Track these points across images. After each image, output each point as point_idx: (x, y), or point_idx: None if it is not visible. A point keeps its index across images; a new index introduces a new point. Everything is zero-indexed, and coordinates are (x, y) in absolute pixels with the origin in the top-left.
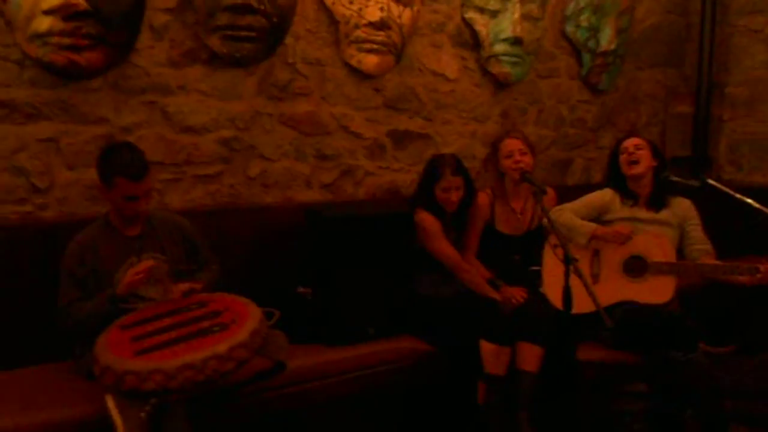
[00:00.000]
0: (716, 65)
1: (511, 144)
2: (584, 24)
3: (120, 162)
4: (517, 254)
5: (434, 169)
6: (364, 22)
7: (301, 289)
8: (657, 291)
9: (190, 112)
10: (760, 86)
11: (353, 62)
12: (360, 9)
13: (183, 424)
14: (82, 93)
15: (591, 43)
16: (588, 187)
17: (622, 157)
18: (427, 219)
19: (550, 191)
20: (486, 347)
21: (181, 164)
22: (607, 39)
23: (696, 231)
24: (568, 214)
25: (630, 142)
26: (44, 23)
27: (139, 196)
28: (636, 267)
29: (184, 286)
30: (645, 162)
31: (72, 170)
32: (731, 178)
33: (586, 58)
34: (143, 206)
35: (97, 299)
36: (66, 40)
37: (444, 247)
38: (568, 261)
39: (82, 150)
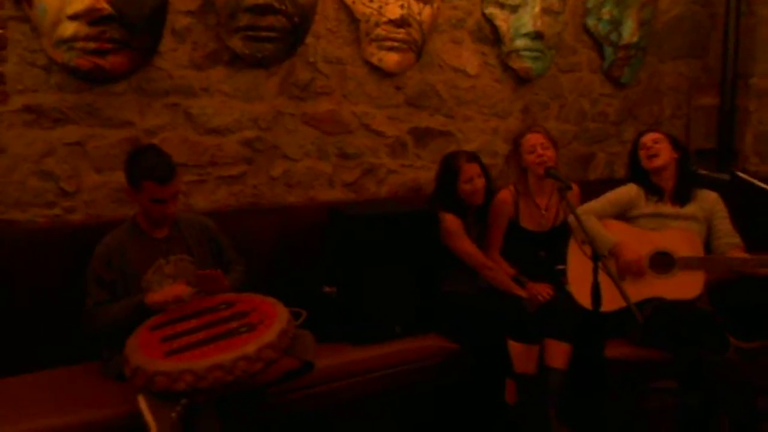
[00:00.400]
0: (741, 56)
1: (533, 138)
2: (606, 17)
3: (147, 165)
4: (542, 251)
5: (450, 164)
6: (384, 20)
7: (326, 289)
8: (685, 287)
9: (214, 113)
10: None
11: (374, 60)
12: (380, 7)
13: (213, 424)
14: (107, 96)
15: (613, 36)
16: (611, 182)
17: (641, 153)
18: (448, 218)
19: (574, 187)
20: (514, 347)
21: (205, 166)
22: (629, 31)
23: (724, 224)
24: (593, 219)
25: (648, 138)
26: (69, 28)
27: (167, 199)
28: (663, 263)
29: (205, 272)
30: (665, 154)
31: (99, 173)
32: (757, 169)
33: (608, 51)
34: (171, 209)
35: (125, 304)
36: (91, 45)
37: (467, 246)
38: (596, 258)
39: (109, 153)
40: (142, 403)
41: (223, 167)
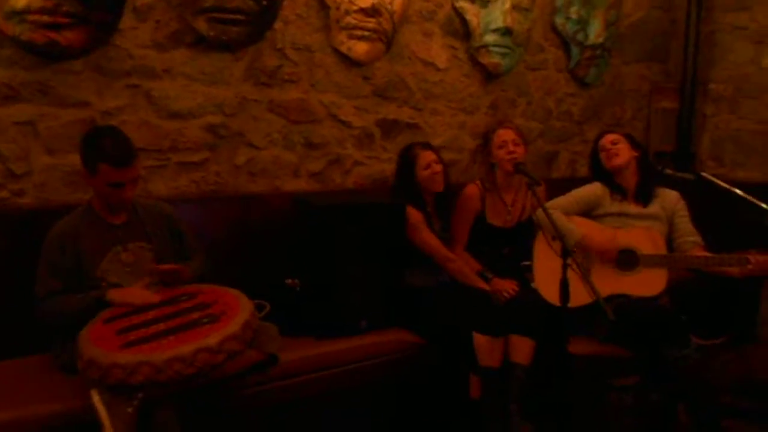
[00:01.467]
0: (700, 61)
1: (505, 134)
2: (574, 16)
3: (104, 147)
4: (507, 247)
5: (406, 155)
6: (355, 8)
7: (289, 281)
8: (648, 284)
9: (176, 97)
10: (743, 83)
11: (343, 49)
12: None
13: (172, 419)
14: (63, 74)
15: (580, 36)
16: (573, 181)
17: (602, 155)
18: (409, 211)
19: (542, 185)
20: (479, 340)
21: (165, 151)
22: (595, 32)
23: (684, 223)
24: (558, 213)
25: (606, 140)
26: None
27: (124, 183)
28: (627, 260)
29: (166, 267)
30: (624, 154)
31: (51, 155)
32: (713, 173)
33: (575, 51)
34: (129, 194)
35: (84, 298)
36: (45, 18)
37: (428, 238)
38: (566, 254)
39: (62, 134)
40: (96, 398)
41: (185, 153)
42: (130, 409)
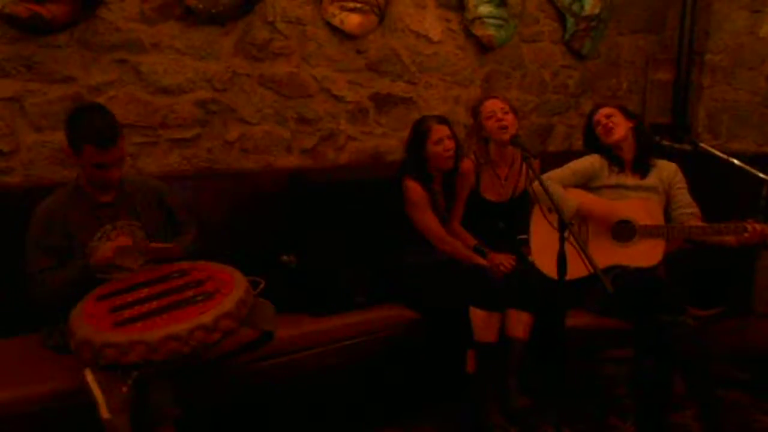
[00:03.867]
0: (697, 32)
1: (492, 104)
2: None
3: (88, 127)
4: (502, 221)
5: (419, 127)
6: None
7: (284, 257)
8: (646, 254)
9: (165, 71)
10: (739, 53)
11: (335, 21)
12: None
13: (167, 397)
14: (47, 49)
15: (575, 7)
16: (569, 154)
17: (598, 130)
18: (412, 187)
19: (537, 159)
20: (476, 314)
21: (156, 127)
22: (591, 3)
23: (682, 194)
24: (555, 185)
25: (601, 114)
26: None
27: (109, 164)
28: (624, 232)
29: (157, 246)
30: (621, 126)
31: (38, 132)
32: (709, 145)
33: (570, 22)
34: (114, 174)
35: (71, 267)
36: None
37: (428, 220)
38: (563, 226)
39: (49, 111)
40: (89, 377)
41: (176, 129)
42: (124, 388)
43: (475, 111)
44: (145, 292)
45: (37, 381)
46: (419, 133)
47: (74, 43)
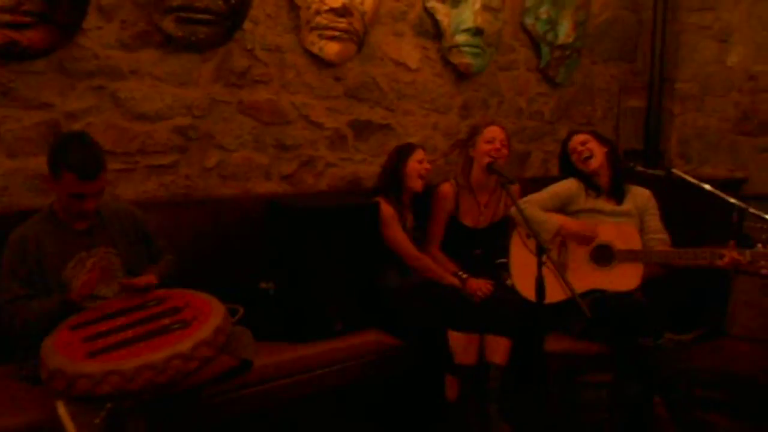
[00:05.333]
0: (667, 61)
1: (497, 132)
2: (543, 16)
3: (72, 155)
4: (479, 248)
5: (403, 148)
6: (325, 8)
7: (263, 284)
8: (625, 279)
9: (143, 98)
10: (709, 81)
11: (314, 49)
12: None
13: (142, 428)
14: (24, 75)
15: (550, 36)
16: (546, 180)
17: (574, 157)
18: (383, 207)
19: (516, 184)
20: (454, 337)
21: (133, 153)
22: (565, 32)
23: (653, 221)
24: (534, 207)
25: (576, 141)
26: None
27: (88, 194)
28: (603, 256)
29: (140, 282)
30: (597, 153)
31: (13, 159)
32: (681, 170)
33: (545, 50)
34: (90, 206)
35: (48, 301)
36: (5, 17)
37: (397, 235)
38: (541, 251)
39: (24, 137)
40: (61, 409)
41: (154, 156)
42: (97, 420)
43: (476, 129)
44: (120, 320)
45: (9, 413)
46: (402, 151)
47: (52, 70)
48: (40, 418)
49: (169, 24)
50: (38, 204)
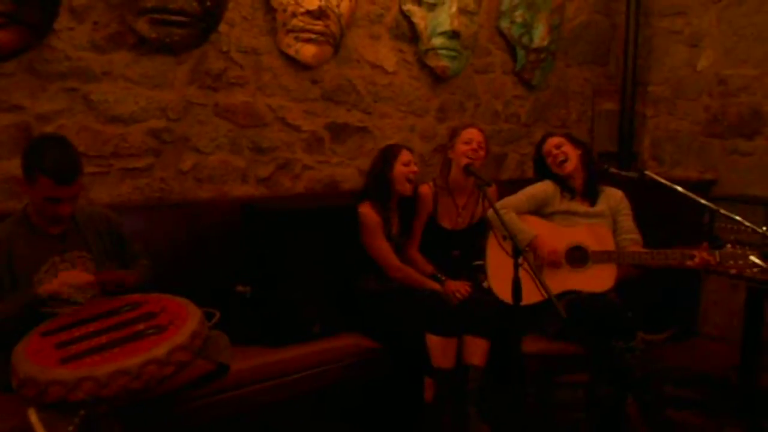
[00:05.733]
0: (640, 64)
1: (475, 134)
2: (519, 20)
3: (47, 159)
4: (457, 249)
5: (388, 150)
6: (301, 10)
7: (239, 288)
8: (599, 280)
9: (116, 100)
10: (680, 85)
11: (291, 52)
12: None
13: None
14: None
15: (525, 39)
16: (522, 182)
17: (549, 160)
18: (368, 213)
19: (492, 186)
20: (432, 340)
21: (107, 156)
22: (540, 35)
23: (626, 221)
24: (511, 213)
25: (550, 144)
26: None
27: (63, 198)
28: (577, 257)
29: (108, 275)
30: (572, 156)
31: None
32: (654, 172)
33: (520, 54)
34: (66, 210)
35: (12, 299)
36: None
37: (381, 247)
38: (517, 253)
39: None
40: (33, 417)
41: (128, 159)
42: (71, 428)
43: (455, 131)
44: (93, 326)
45: None
46: (389, 154)
47: (22, 71)
48: (11, 427)
49: (143, 25)
50: (9, 208)
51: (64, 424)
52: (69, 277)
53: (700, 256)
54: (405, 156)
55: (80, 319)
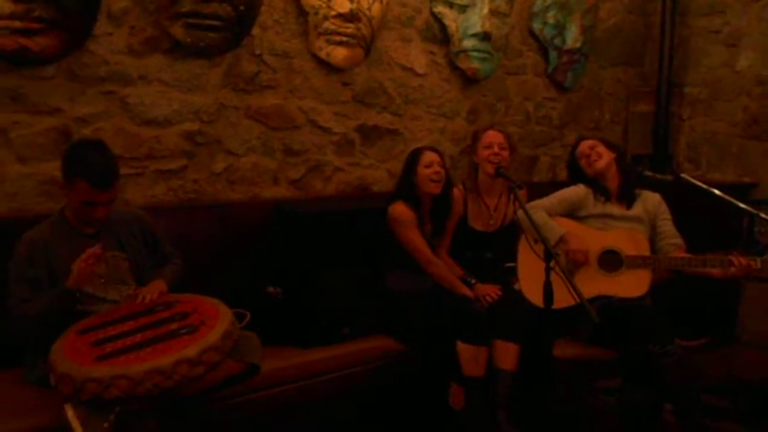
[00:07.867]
0: (675, 65)
1: (494, 136)
2: (551, 21)
3: (87, 163)
4: (488, 251)
5: (413, 153)
6: (333, 13)
7: (270, 289)
8: (633, 285)
9: (152, 103)
10: (717, 86)
11: (322, 55)
12: (329, 0)
13: None
14: (35, 81)
15: (557, 41)
16: (554, 184)
17: (582, 162)
18: (401, 209)
19: (524, 188)
20: (463, 349)
21: (142, 158)
22: (572, 37)
23: (667, 225)
24: (540, 212)
25: (584, 146)
26: None
27: (100, 203)
28: (611, 261)
29: (152, 291)
30: (605, 156)
31: (23, 164)
32: (690, 175)
33: (553, 55)
34: (102, 214)
35: (48, 294)
36: (16, 24)
37: (414, 238)
38: (549, 256)
39: (34, 142)
40: (69, 413)
41: (162, 161)
42: (106, 424)
43: (475, 136)
44: (129, 325)
45: (18, 416)
46: (412, 157)
47: (61, 75)
48: (48, 422)
49: (177, 30)
50: (48, 209)
51: (100, 420)
52: (80, 258)
53: (738, 261)
54: (426, 158)
55: (116, 318)
